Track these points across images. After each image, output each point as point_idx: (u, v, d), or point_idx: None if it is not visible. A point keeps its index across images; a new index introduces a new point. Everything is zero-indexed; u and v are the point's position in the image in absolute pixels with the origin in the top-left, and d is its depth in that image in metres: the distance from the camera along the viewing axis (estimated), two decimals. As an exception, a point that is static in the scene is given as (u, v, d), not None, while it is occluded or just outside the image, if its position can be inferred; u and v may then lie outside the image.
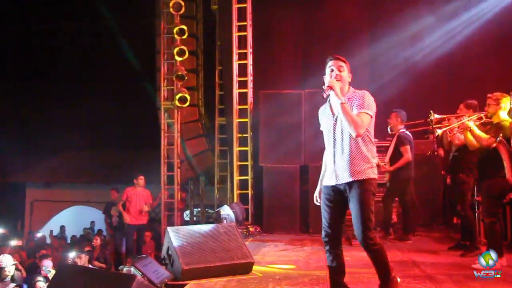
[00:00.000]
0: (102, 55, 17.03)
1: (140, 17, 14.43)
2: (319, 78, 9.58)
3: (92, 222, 17.62)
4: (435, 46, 9.99)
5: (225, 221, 8.16)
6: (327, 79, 4.14)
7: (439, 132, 6.26)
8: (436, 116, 6.31)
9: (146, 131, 14.50)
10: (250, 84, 10.40)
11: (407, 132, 7.77)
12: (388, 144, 8.30)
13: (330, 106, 4.24)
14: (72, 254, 7.89)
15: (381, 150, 9.10)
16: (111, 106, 16.44)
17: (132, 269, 7.17)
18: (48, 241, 14.66)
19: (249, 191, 10.28)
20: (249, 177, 10.34)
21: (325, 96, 4.03)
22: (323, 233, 4.28)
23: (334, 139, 4.15)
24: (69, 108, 17.12)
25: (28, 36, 18.23)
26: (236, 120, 10.41)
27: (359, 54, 9.73)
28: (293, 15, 10.57)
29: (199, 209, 14.48)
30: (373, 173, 4.06)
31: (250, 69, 10.47)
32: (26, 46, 18.33)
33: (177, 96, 10.87)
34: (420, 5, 10.23)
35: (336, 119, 4.11)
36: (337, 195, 4.15)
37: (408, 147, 7.53)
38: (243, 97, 10.45)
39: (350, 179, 4.02)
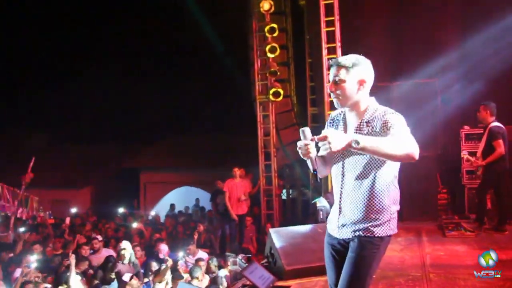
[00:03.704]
0: (202, 53, 17.50)
1: (234, 15, 14.60)
2: (408, 71, 9.32)
3: (197, 199, 18.51)
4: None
5: (321, 212, 8.22)
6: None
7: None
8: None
9: (245, 119, 14.73)
10: (340, 77, 10.25)
11: (499, 125, 7.31)
12: (480, 131, 7.89)
13: (344, 121, 2.95)
14: (180, 254, 8.25)
15: (473, 138, 8.74)
16: (213, 95, 16.93)
17: (238, 259, 7.52)
18: (161, 220, 15.46)
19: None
20: (342, 166, 10.28)
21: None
22: None
23: (343, 174, 2.87)
24: (175, 96, 17.89)
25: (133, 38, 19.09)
26: (328, 112, 10.38)
27: (451, 48, 9.27)
28: (382, 8, 10.24)
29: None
30: (389, 229, 2.83)
31: (339, 62, 10.32)
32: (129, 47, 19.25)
33: (271, 91, 11.06)
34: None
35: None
36: (346, 250, 2.93)
37: (500, 140, 7.07)
38: (334, 90, 10.34)
39: (358, 234, 2.83)
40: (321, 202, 8.39)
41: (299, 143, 2.68)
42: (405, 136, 2.63)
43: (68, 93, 20.36)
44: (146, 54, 19.11)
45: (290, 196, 14.55)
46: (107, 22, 19.23)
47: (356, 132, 2.83)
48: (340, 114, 3.03)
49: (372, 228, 2.80)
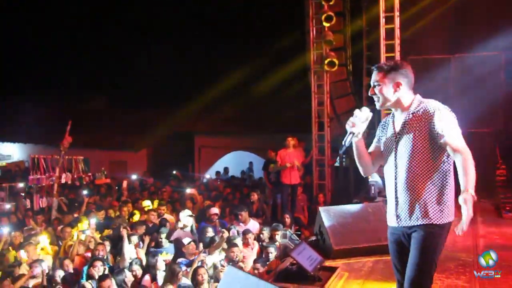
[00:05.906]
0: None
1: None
2: (469, 43, 8.98)
3: (250, 163, 18.88)
4: None
5: (373, 188, 8.23)
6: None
7: None
8: None
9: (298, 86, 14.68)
10: (397, 48, 10.05)
11: None
12: None
13: (393, 121, 3.21)
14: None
15: None
16: (268, 63, 16.94)
17: (288, 233, 7.63)
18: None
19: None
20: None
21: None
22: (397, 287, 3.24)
23: (396, 167, 3.10)
24: (230, 63, 18.06)
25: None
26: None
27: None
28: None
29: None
30: (446, 217, 2.99)
31: (397, 32, 10.09)
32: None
33: (326, 61, 10.93)
34: None
35: (399, 138, 3.10)
36: (408, 239, 3.10)
37: None
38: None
39: (414, 223, 3.01)
40: (373, 177, 8.37)
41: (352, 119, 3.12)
42: (458, 137, 2.89)
43: (127, 56, 20.92)
44: (207, 22, 19.33)
45: (344, 164, 14.55)
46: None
47: (403, 125, 3.10)
48: (390, 116, 3.27)
49: (430, 216, 2.97)
